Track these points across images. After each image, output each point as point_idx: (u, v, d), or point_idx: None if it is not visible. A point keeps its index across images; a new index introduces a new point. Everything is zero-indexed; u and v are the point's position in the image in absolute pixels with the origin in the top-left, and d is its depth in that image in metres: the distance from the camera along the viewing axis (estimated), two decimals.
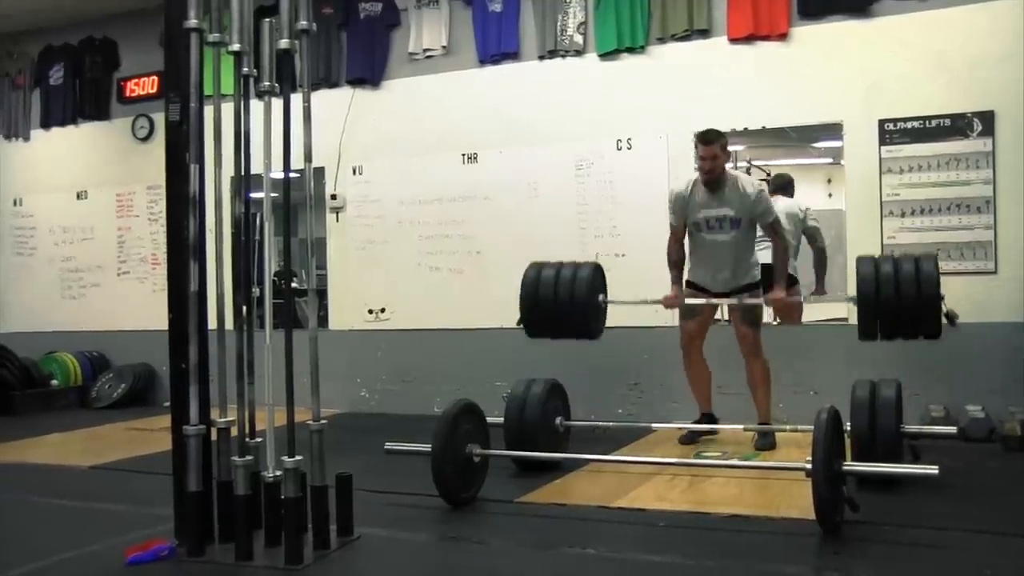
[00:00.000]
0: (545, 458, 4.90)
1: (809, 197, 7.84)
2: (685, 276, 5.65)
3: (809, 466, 3.56)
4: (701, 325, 5.67)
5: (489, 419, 4.61)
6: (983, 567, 3.25)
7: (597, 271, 5.51)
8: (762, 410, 5.51)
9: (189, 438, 3.51)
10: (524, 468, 4.92)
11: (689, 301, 5.54)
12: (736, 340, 5.55)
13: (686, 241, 5.63)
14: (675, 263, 5.61)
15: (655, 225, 6.12)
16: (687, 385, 5.76)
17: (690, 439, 5.59)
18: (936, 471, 3.66)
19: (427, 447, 4.19)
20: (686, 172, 6.59)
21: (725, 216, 5.43)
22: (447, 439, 4.19)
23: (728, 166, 5.55)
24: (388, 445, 4.54)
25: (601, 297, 5.46)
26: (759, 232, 5.61)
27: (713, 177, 5.38)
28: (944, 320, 4.70)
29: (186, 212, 3.59)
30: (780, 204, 7.12)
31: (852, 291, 5.06)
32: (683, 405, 5.90)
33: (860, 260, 5.00)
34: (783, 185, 7.30)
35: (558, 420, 5.27)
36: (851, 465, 3.79)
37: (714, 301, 5.62)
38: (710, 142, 5.35)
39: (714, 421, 5.69)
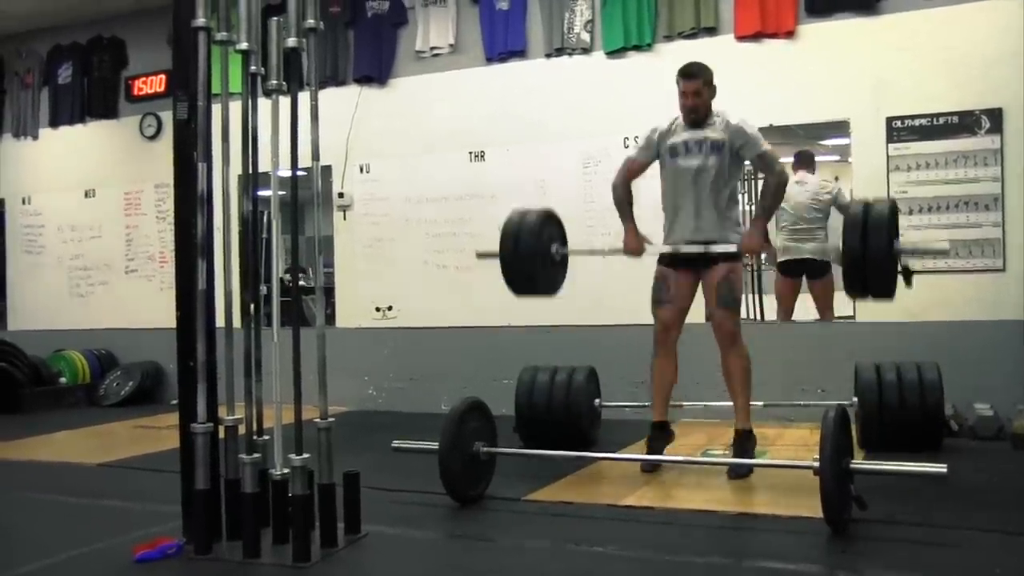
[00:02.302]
0: (556, 455, 4.88)
1: (816, 163, 7.77)
2: (660, 250, 4.96)
3: (817, 464, 3.55)
4: (678, 311, 4.88)
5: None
6: (993, 566, 3.24)
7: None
8: (741, 413, 4.80)
9: (197, 436, 3.51)
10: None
11: (654, 248, 4.94)
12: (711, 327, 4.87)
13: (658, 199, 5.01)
14: (621, 201, 5.00)
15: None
16: (695, 383, 5.72)
17: (651, 468, 4.85)
18: (945, 469, 3.65)
19: (434, 445, 4.20)
20: None
21: (704, 139, 4.76)
22: (454, 437, 4.19)
23: (717, 108, 4.87)
24: (395, 443, 4.54)
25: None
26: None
27: (697, 116, 4.78)
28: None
29: (194, 210, 3.59)
30: (807, 184, 7.19)
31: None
32: (690, 403, 5.87)
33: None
34: (806, 160, 7.24)
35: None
36: (859, 463, 3.78)
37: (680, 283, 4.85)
38: (692, 76, 4.76)
39: (667, 432, 4.99)
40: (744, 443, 4.79)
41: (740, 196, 5.19)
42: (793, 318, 7.41)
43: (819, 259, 6.97)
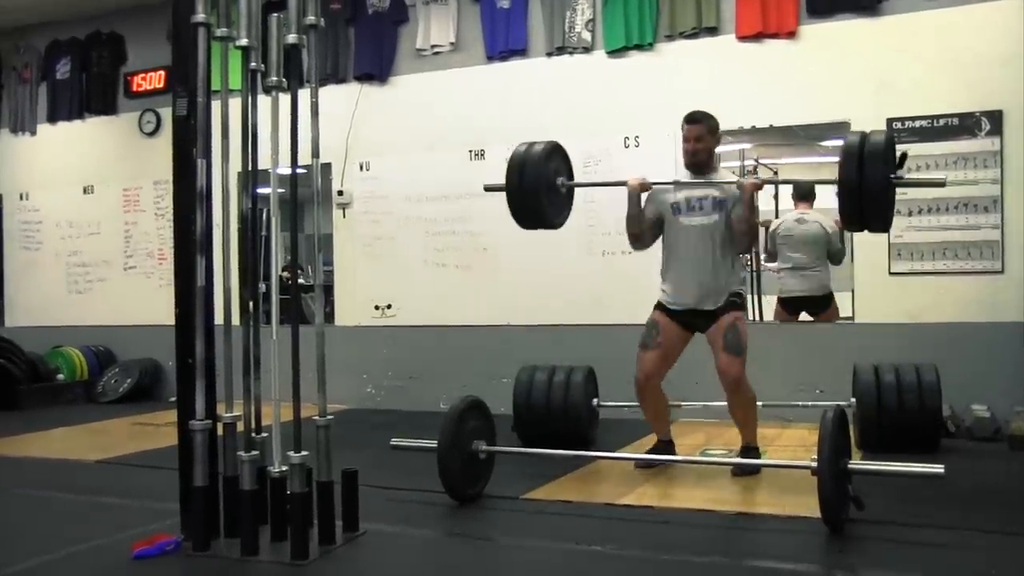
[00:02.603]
0: (555, 454, 4.87)
1: (816, 196, 7.79)
2: (658, 298, 4.90)
3: (815, 464, 3.56)
4: (662, 360, 4.79)
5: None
6: (989, 566, 3.25)
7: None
8: (747, 432, 4.83)
9: (195, 433, 3.51)
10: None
11: (649, 184, 4.79)
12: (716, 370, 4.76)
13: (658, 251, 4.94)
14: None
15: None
16: (694, 383, 5.71)
17: (647, 464, 4.90)
18: (942, 470, 3.65)
19: (433, 443, 4.20)
20: None
21: (707, 195, 4.72)
22: (453, 435, 4.19)
23: (718, 150, 4.92)
24: (394, 441, 4.54)
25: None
26: None
27: (696, 161, 4.77)
28: None
29: (193, 207, 3.59)
30: (807, 223, 6.88)
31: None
32: (688, 402, 5.86)
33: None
34: (805, 194, 6.99)
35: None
36: (857, 463, 3.78)
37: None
38: (696, 121, 4.78)
39: (672, 449, 5.00)
40: (749, 455, 4.80)
41: None
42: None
43: (819, 295, 6.83)
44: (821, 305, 6.86)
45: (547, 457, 4.89)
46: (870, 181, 3.90)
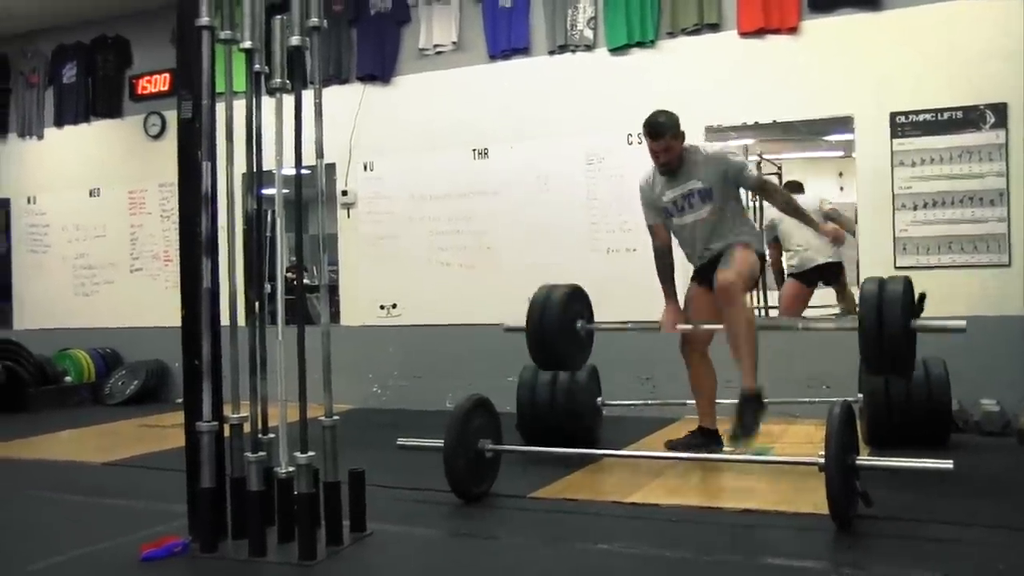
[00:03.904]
0: (561, 453, 4.87)
1: (820, 190, 7.85)
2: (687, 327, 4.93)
3: (822, 460, 3.55)
4: (700, 336, 4.94)
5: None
6: (997, 562, 3.24)
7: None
8: (745, 370, 4.52)
9: (202, 434, 3.51)
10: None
11: (683, 328, 4.89)
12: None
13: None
14: (662, 268, 5.01)
15: None
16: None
17: (673, 447, 4.94)
18: (951, 465, 3.65)
19: (439, 442, 4.20)
20: None
21: (691, 191, 4.75)
22: (459, 434, 4.19)
23: (687, 144, 4.84)
24: (400, 441, 4.54)
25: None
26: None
27: (670, 168, 4.78)
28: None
29: (198, 209, 3.59)
30: (804, 203, 7.20)
31: None
32: (694, 402, 5.86)
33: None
34: (796, 187, 7.54)
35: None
36: (865, 459, 3.77)
37: (715, 326, 4.76)
38: (658, 135, 4.71)
39: (715, 439, 4.94)
40: (750, 405, 4.49)
41: (745, 211, 5.15)
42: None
43: (835, 261, 7.08)
44: (835, 272, 7.19)
45: (553, 456, 4.89)
46: (891, 329, 4.06)
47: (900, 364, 4.16)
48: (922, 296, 4.10)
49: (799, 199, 7.06)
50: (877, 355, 4.11)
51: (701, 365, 4.98)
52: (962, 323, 4.32)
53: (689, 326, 4.90)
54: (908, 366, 4.19)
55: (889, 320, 4.03)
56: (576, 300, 5.03)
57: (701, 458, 4.87)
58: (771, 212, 7.14)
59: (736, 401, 4.55)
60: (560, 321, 4.84)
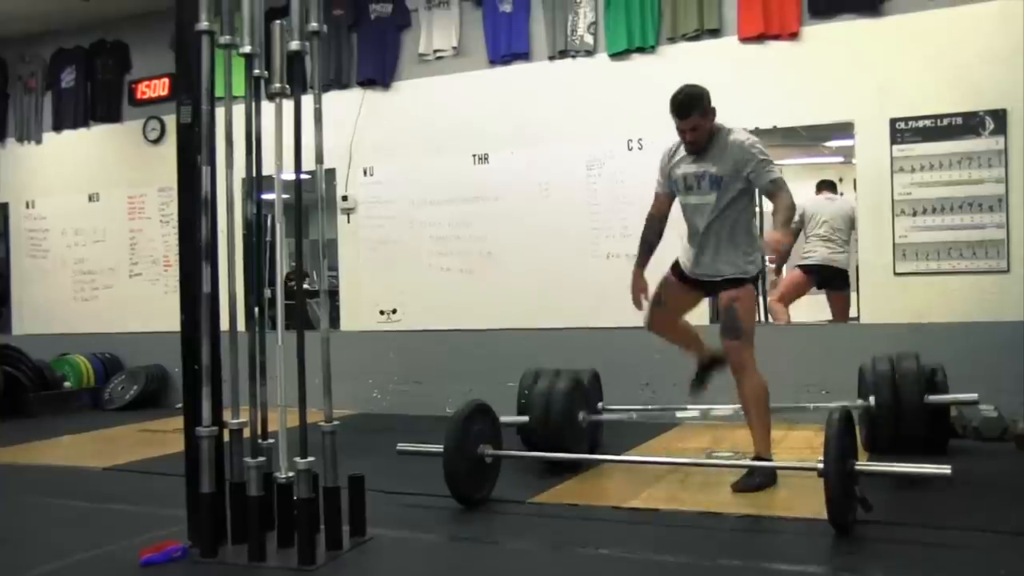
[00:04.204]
0: (561, 458, 4.86)
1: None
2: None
3: (822, 466, 3.55)
4: (665, 318, 4.86)
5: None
6: (997, 567, 3.24)
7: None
8: (757, 438, 4.46)
9: (202, 439, 3.51)
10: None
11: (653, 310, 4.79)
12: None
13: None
14: (645, 237, 4.80)
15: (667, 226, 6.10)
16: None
17: (699, 385, 5.03)
18: (949, 470, 3.65)
19: (439, 448, 4.20)
20: None
21: (704, 173, 4.51)
22: (459, 440, 4.19)
23: (719, 124, 4.59)
24: (400, 446, 4.54)
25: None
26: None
27: (698, 147, 4.53)
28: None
29: (198, 214, 3.60)
30: (834, 204, 7.51)
31: None
32: (693, 406, 5.87)
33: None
34: (829, 185, 7.74)
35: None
36: (864, 465, 3.77)
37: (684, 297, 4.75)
38: (687, 114, 4.47)
39: (717, 361, 4.89)
40: (761, 470, 4.42)
41: (754, 222, 4.88)
42: (798, 320, 7.43)
43: (842, 268, 7.22)
44: (839, 280, 7.31)
45: (553, 460, 4.89)
46: (907, 405, 4.51)
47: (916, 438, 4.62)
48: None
49: (833, 200, 7.35)
50: (894, 431, 4.59)
51: (673, 332, 4.95)
52: (974, 396, 4.82)
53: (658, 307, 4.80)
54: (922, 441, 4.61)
55: (906, 396, 4.58)
56: (577, 393, 5.09)
57: (701, 464, 4.87)
58: (800, 200, 7.16)
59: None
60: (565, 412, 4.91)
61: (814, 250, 7.35)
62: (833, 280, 7.33)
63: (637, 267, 4.81)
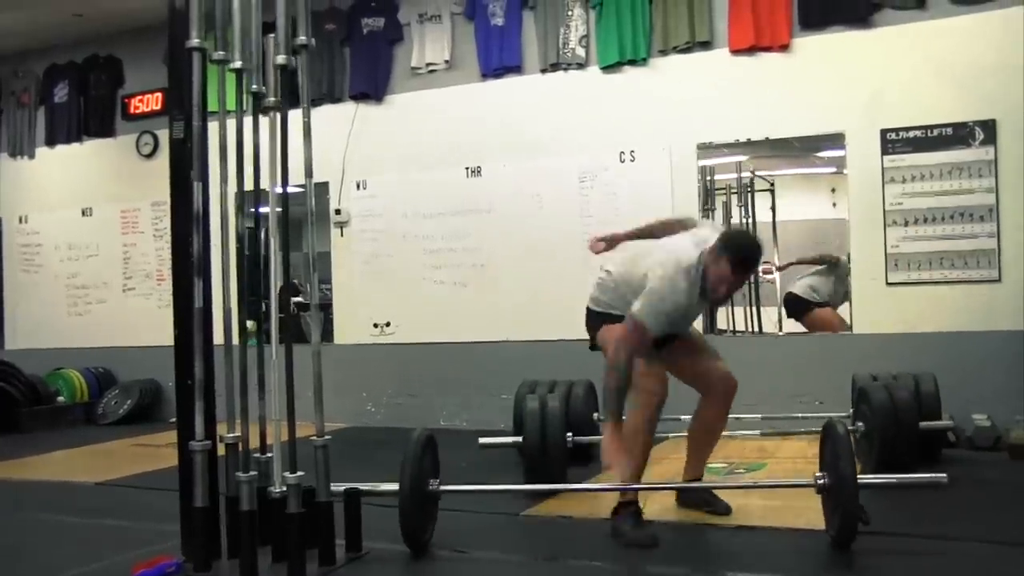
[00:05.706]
0: (523, 490, 4.69)
1: (812, 207, 7.91)
2: None
3: (820, 482, 3.55)
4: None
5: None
6: None
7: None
8: (703, 462, 4.33)
9: (195, 454, 3.50)
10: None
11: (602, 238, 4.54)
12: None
13: None
14: (652, 229, 4.52)
15: None
16: (694, 395, 5.65)
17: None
18: (944, 480, 3.65)
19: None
20: (689, 184, 6.64)
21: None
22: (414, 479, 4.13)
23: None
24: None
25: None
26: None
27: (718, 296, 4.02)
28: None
29: (191, 228, 3.60)
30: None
31: None
32: (687, 416, 5.86)
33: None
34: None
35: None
36: (860, 477, 3.76)
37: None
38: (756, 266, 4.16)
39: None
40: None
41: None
42: (790, 331, 7.44)
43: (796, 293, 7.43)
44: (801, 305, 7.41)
45: (520, 488, 4.70)
46: (902, 434, 4.65)
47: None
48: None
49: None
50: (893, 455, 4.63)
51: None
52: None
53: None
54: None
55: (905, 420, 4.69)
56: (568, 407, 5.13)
57: (696, 487, 4.78)
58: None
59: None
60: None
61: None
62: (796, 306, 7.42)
63: (623, 232, 4.52)
